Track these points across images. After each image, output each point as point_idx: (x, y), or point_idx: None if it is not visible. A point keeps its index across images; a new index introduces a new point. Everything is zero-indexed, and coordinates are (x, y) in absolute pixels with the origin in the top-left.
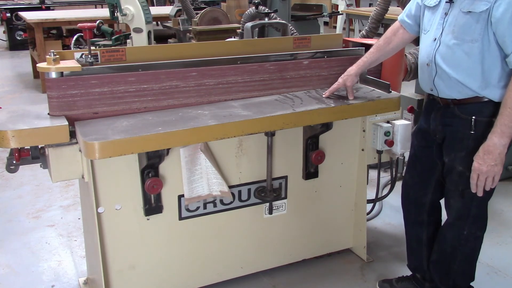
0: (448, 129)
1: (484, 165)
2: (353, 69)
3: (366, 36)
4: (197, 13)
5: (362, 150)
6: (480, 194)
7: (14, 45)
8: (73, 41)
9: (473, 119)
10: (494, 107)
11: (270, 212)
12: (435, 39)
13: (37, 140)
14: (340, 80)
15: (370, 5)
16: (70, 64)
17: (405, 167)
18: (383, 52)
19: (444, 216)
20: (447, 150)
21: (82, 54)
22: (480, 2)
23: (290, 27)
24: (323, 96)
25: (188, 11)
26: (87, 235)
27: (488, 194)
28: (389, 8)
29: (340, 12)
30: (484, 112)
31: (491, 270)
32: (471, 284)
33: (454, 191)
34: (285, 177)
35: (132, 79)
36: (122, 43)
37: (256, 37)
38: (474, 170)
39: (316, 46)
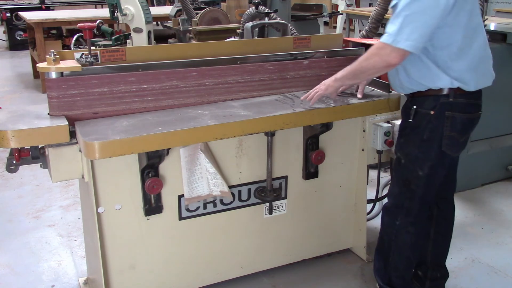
0: (402, 119)
1: (325, 83)
2: None
3: (366, 36)
4: (197, 13)
5: (362, 150)
6: (307, 99)
7: (14, 45)
8: (73, 41)
9: (413, 109)
10: (434, 102)
11: (270, 212)
12: None
13: (37, 140)
14: None
15: (370, 5)
16: (70, 64)
17: None
18: None
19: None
20: (395, 138)
21: (82, 54)
22: None
23: (290, 27)
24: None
25: (188, 11)
26: (87, 235)
27: (425, 191)
28: (389, 8)
29: (340, 12)
30: (425, 105)
31: (491, 270)
32: None
33: (394, 177)
34: (285, 177)
35: (132, 79)
36: (122, 43)
37: (256, 37)
38: (322, 83)
39: (316, 46)
